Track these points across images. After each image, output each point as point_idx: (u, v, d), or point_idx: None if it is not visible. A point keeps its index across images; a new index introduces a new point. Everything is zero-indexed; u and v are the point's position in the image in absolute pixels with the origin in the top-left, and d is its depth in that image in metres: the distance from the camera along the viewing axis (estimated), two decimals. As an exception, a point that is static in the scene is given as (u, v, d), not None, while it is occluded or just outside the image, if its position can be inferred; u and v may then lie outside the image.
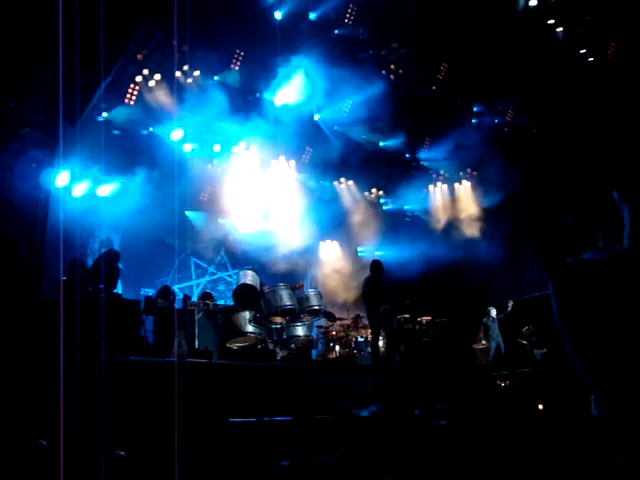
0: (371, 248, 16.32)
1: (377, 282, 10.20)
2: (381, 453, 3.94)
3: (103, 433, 4.32)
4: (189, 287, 14.44)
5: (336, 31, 13.19)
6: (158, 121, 12.50)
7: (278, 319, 10.33)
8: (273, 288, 10.42)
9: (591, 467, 3.79)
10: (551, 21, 13.29)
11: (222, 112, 12.60)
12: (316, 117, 14.17)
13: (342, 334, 12.22)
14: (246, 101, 13.45)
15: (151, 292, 11.94)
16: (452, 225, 16.51)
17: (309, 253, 14.59)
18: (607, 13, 12.09)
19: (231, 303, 10.93)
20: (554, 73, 13.78)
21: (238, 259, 14.15)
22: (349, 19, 13.15)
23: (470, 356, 12.39)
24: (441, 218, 16.74)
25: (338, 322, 12.54)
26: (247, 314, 10.12)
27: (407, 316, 12.46)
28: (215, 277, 15.11)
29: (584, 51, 13.81)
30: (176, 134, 12.51)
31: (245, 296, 10.28)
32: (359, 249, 16.43)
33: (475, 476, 3.74)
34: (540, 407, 9.48)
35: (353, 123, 14.25)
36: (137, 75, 12.04)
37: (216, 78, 12.75)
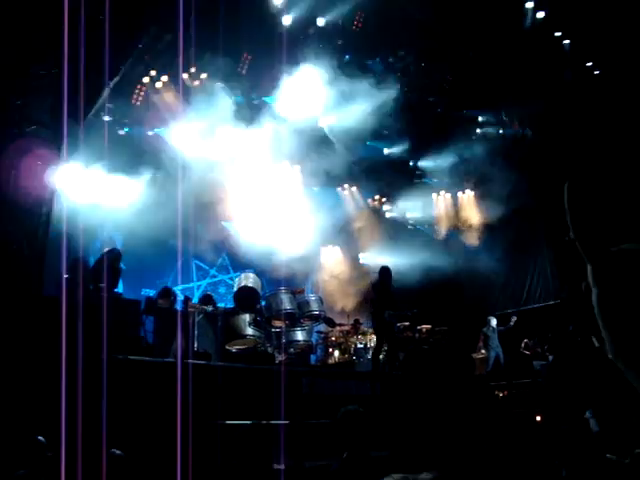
0: (373, 255, 16.32)
1: (384, 288, 10.28)
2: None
3: (104, 431, 4.33)
4: (190, 289, 14.45)
5: (343, 37, 13.24)
6: (164, 122, 12.54)
7: (278, 323, 10.33)
8: (274, 292, 10.43)
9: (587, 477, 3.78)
10: (558, 33, 13.31)
11: (228, 115, 12.64)
12: (321, 123, 14.20)
13: (341, 340, 12.22)
14: (252, 105, 13.50)
15: (152, 293, 11.95)
16: (454, 234, 16.53)
17: (310, 258, 14.60)
18: (614, 27, 12.11)
19: (231, 306, 10.94)
20: (560, 85, 13.81)
21: (240, 262, 14.16)
22: (357, 26, 13.19)
23: (469, 365, 12.38)
24: (443, 227, 16.76)
25: (338, 328, 12.55)
26: (247, 317, 10.12)
27: (407, 324, 12.47)
28: (216, 279, 15.12)
29: (590, 64, 13.84)
30: (181, 136, 12.54)
31: (246, 298, 10.29)
32: (361, 256, 16.44)
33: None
34: (538, 418, 9.47)
35: (358, 130, 14.28)
36: (144, 76, 12.09)
37: (223, 81, 12.79)
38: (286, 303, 10.13)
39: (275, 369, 8.91)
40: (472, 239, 16.03)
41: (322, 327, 12.37)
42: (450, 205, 16.75)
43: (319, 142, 14.32)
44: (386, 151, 15.50)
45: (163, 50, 11.81)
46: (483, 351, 13.50)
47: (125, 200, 12.42)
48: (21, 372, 5.95)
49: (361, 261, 16.33)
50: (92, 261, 10.04)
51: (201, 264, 14.78)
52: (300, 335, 10.86)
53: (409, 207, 16.79)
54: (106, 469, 4.00)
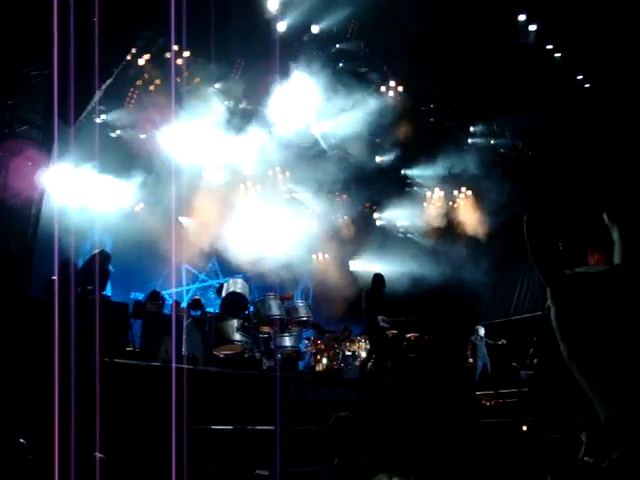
0: (363, 263, 16.34)
1: (378, 295, 10.33)
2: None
3: (95, 434, 4.30)
4: (179, 293, 14.40)
5: (337, 45, 13.30)
6: (156, 126, 12.52)
7: (266, 328, 10.30)
8: (262, 298, 10.41)
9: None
10: (550, 46, 13.43)
11: (220, 120, 12.65)
12: (313, 130, 14.23)
13: (330, 347, 12.20)
14: (244, 111, 13.50)
15: (141, 296, 11.90)
16: (443, 244, 16.57)
17: (300, 265, 14.59)
18: (605, 41, 12.23)
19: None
20: (552, 98, 13.93)
21: (230, 267, 14.13)
22: (351, 34, 13.26)
23: (457, 373, 12.40)
24: (433, 236, 16.80)
25: (326, 335, 12.53)
26: (235, 322, 10.09)
27: (395, 332, 12.47)
28: (205, 284, 15.07)
29: (581, 77, 13.97)
30: (173, 140, 12.53)
31: (234, 304, 10.26)
32: (351, 263, 16.45)
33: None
34: (524, 428, 9.50)
35: (350, 137, 14.31)
36: (138, 79, 12.08)
37: (216, 86, 12.80)
38: (274, 309, 10.10)
39: (262, 375, 8.89)
40: (462, 248, 16.07)
41: (310, 333, 12.35)
42: (440, 214, 16.80)
43: (310, 149, 14.34)
44: (377, 159, 15.54)
45: (157, 54, 11.83)
46: (470, 360, 13.53)
47: (115, 203, 12.40)
48: (5, 374, 5.89)
49: (351, 268, 16.34)
50: (81, 263, 9.99)
51: (191, 268, 14.74)
52: (288, 341, 10.82)
53: (399, 215, 16.83)
54: (89, 472, 3.96)
